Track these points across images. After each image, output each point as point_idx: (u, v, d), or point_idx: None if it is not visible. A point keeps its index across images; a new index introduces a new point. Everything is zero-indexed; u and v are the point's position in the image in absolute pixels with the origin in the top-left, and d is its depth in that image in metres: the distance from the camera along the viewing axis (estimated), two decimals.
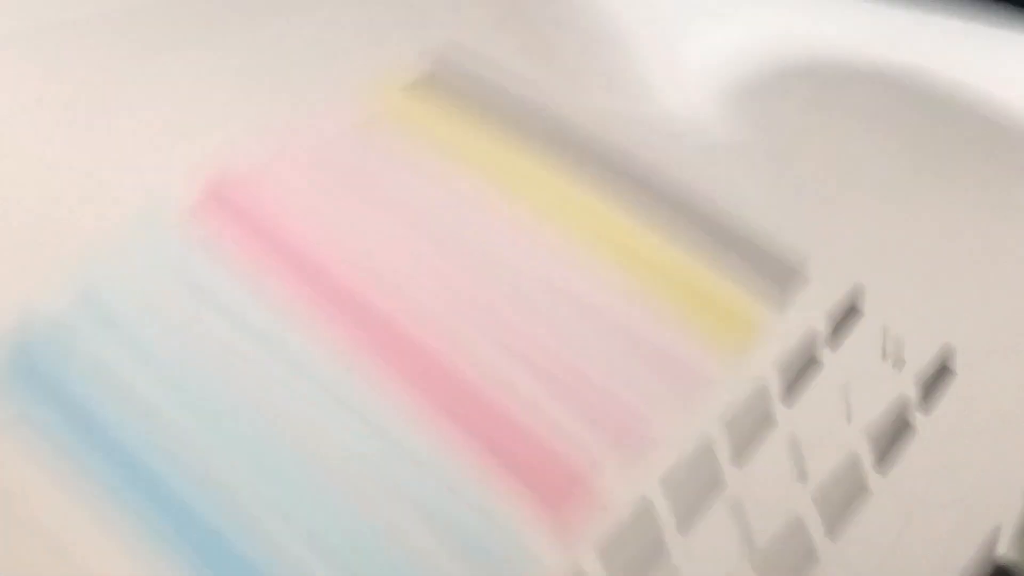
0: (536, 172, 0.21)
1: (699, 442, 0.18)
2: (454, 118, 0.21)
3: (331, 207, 0.20)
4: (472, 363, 0.18)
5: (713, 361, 0.19)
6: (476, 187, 0.20)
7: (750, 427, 0.18)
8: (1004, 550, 0.17)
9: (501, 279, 0.19)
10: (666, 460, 0.18)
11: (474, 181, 0.20)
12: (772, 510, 0.17)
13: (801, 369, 0.19)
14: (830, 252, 0.20)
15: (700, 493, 0.18)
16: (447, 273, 0.19)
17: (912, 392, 0.18)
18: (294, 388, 0.18)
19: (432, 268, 0.19)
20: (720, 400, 0.18)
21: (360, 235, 0.20)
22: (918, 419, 0.18)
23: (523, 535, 0.17)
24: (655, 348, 0.19)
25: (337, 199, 0.20)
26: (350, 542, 0.17)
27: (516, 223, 0.20)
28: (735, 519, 0.17)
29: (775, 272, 0.20)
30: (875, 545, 0.17)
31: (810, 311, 0.19)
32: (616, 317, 0.19)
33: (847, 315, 0.19)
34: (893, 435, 0.18)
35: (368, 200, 0.20)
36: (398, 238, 0.20)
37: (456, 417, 0.18)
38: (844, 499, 0.18)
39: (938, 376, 0.18)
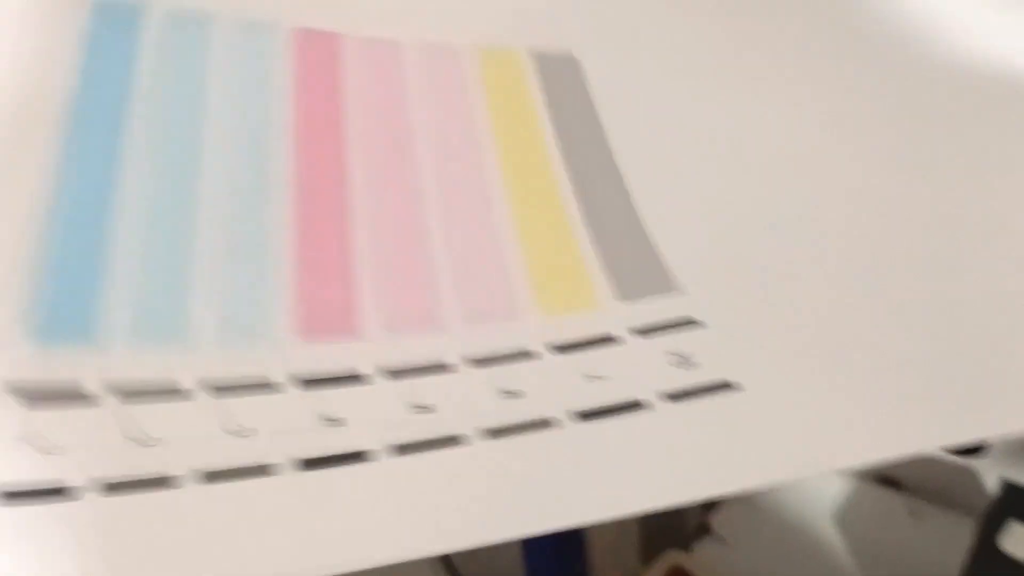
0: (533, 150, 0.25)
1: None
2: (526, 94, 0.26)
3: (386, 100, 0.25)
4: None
5: (531, 305, 0.21)
6: (487, 141, 0.25)
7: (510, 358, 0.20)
8: None
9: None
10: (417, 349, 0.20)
11: (490, 137, 0.25)
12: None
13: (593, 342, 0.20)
14: (704, 290, 0.21)
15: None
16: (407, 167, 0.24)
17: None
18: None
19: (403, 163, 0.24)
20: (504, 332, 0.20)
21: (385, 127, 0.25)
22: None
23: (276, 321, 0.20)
24: (497, 271, 0.22)
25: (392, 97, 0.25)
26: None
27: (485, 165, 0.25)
28: None
29: (651, 279, 0.22)
30: None
31: (647, 316, 0.20)
32: (493, 241, 0.22)
33: (677, 326, 0.20)
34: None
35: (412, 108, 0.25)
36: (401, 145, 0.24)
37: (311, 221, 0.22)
38: None
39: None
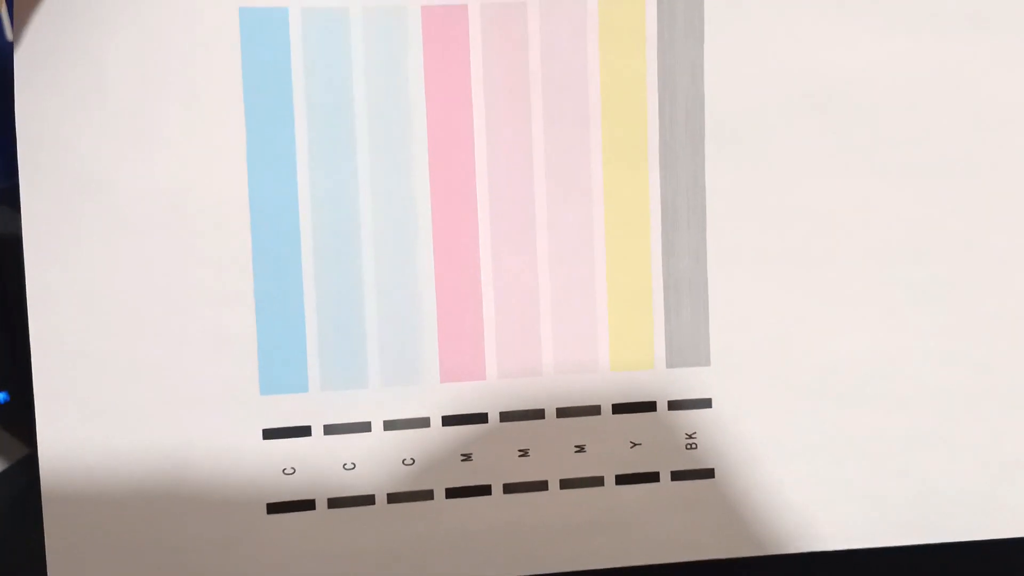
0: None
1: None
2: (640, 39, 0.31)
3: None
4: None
5: (606, 360, 0.30)
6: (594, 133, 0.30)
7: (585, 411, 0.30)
8: None
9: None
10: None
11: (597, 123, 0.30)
12: None
13: (637, 406, 0.29)
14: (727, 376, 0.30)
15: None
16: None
17: None
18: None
19: None
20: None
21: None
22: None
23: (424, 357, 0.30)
24: (589, 329, 0.30)
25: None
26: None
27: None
28: None
29: (694, 350, 0.30)
30: None
31: (685, 385, 0.29)
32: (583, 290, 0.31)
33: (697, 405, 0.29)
34: None
35: None
36: None
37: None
38: None
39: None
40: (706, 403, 0.30)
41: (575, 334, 0.30)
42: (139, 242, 0.29)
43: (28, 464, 0.43)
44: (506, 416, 0.30)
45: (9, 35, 0.45)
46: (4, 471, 0.40)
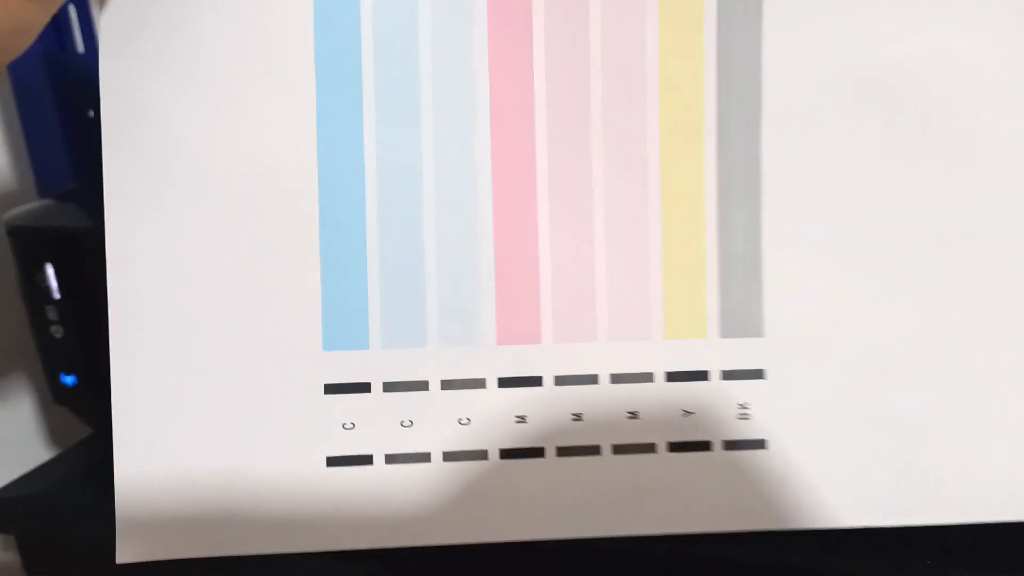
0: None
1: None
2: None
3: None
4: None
5: (660, 328, 0.30)
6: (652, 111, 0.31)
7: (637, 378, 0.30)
8: None
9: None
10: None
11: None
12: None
13: (690, 375, 0.30)
14: (785, 348, 0.31)
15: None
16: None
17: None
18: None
19: None
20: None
21: None
22: None
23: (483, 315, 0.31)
24: (642, 295, 0.31)
25: None
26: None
27: None
28: None
29: (748, 321, 0.31)
30: None
31: (738, 355, 0.30)
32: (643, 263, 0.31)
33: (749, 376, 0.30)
34: None
35: None
36: None
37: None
38: None
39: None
40: (759, 374, 0.31)
41: (630, 301, 0.31)
42: (214, 203, 0.30)
43: (90, 444, 0.45)
44: (561, 380, 0.31)
45: (79, 46, 0.48)
46: (67, 450, 0.41)
